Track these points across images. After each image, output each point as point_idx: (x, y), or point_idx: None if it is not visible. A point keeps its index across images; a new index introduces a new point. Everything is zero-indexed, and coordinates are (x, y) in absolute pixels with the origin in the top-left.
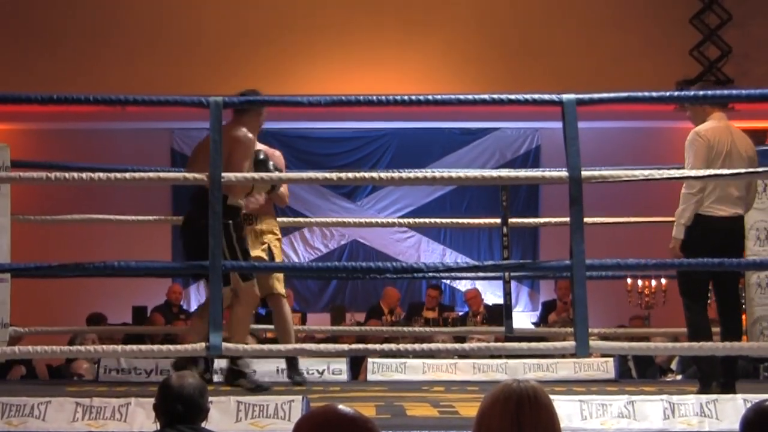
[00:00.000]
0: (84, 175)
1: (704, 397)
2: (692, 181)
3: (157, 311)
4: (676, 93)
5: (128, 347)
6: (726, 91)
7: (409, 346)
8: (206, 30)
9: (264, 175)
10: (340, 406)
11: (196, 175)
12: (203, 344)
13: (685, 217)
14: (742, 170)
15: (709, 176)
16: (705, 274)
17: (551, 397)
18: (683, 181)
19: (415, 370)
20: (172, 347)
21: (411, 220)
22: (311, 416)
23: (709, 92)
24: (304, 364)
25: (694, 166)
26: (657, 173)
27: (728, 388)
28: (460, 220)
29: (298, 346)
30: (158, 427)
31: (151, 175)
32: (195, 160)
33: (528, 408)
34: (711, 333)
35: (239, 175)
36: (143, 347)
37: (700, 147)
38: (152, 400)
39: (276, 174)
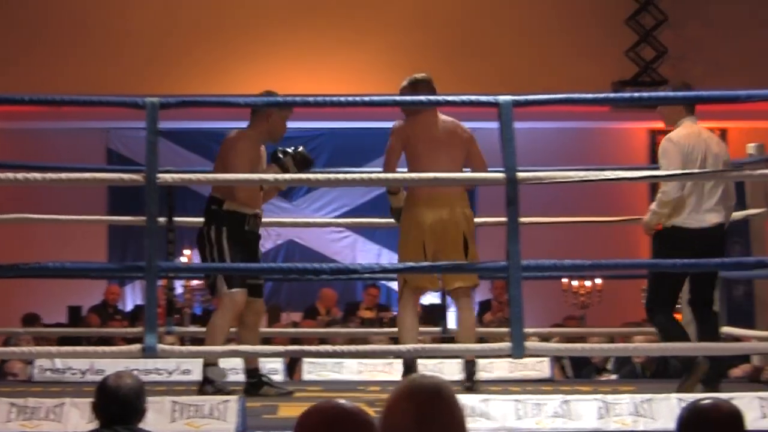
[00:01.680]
0: (19, 175)
1: (638, 397)
2: (669, 188)
3: (92, 311)
4: (611, 94)
5: (63, 348)
6: (662, 93)
7: (345, 348)
8: (144, 28)
9: (194, 176)
10: (342, 401)
11: (132, 176)
12: (139, 346)
13: (653, 221)
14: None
15: (645, 177)
16: (678, 283)
17: (486, 396)
18: (620, 182)
19: (350, 370)
20: (107, 348)
21: (347, 220)
22: (315, 412)
23: (645, 94)
24: (239, 363)
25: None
26: (593, 174)
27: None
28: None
29: (233, 347)
30: (95, 428)
31: (87, 175)
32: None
33: (430, 403)
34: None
35: (176, 176)
36: (78, 348)
37: (674, 153)
38: (87, 400)
39: (213, 175)
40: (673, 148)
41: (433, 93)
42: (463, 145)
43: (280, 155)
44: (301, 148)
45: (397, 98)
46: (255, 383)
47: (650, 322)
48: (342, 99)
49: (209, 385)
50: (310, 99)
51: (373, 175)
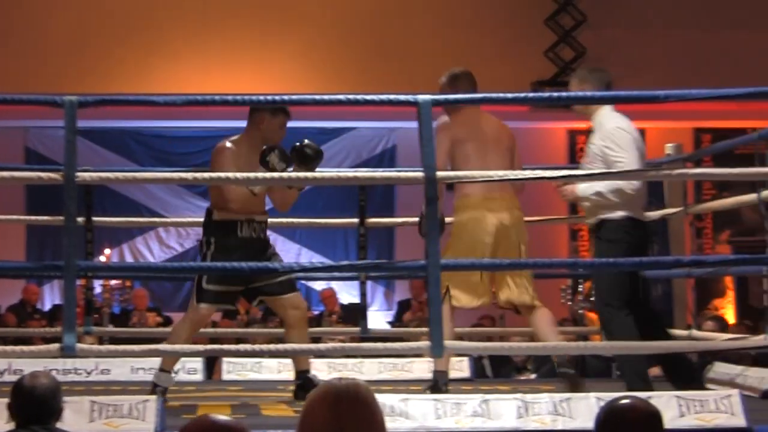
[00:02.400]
0: None
1: (558, 396)
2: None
3: (10, 311)
4: (531, 94)
5: None
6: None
7: (264, 347)
8: (65, 27)
9: (113, 175)
10: (214, 416)
11: (51, 175)
12: (58, 345)
13: (577, 197)
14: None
15: (564, 176)
16: (635, 281)
17: (405, 396)
18: (540, 181)
19: (270, 369)
20: (25, 348)
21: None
22: (193, 427)
23: (564, 94)
24: (158, 362)
25: (631, 161)
26: (511, 173)
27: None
28: (316, 220)
29: (153, 346)
30: (12, 428)
31: (4, 174)
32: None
33: (348, 405)
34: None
35: (94, 175)
36: None
37: (627, 140)
38: (3, 401)
39: (132, 174)
40: (626, 135)
41: (474, 87)
42: (510, 143)
43: (265, 153)
44: (304, 142)
45: (317, 97)
46: (302, 385)
47: (605, 323)
48: (261, 98)
49: (157, 390)
50: (229, 97)
51: (293, 174)
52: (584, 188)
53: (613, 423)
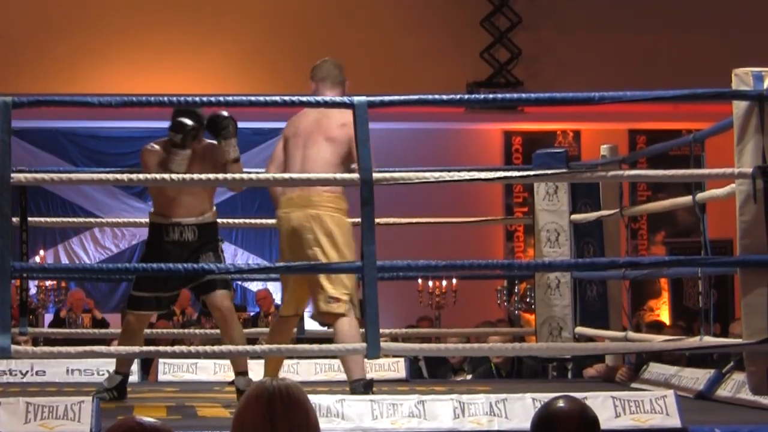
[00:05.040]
0: None
1: (494, 397)
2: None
3: None
4: (466, 96)
5: None
6: (515, 95)
7: (200, 348)
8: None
9: (48, 176)
10: (139, 417)
11: None
12: None
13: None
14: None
15: (499, 178)
16: None
17: (341, 397)
18: (475, 183)
19: (206, 370)
20: None
21: None
22: (119, 427)
23: (499, 96)
24: (94, 364)
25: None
26: (447, 175)
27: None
28: (252, 221)
29: (88, 348)
30: None
31: None
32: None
33: (280, 404)
34: None
35: (29, 176)
36: None
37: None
38: None
39: (67, 175)
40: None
41: (333, 74)
42: (330, 134)
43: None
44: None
45: (252, 98)
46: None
47: None
48: (197, 99)
49: (104, 390)
50: (164, 98)
51: (228, 176)
52: None
53: (549, 424)
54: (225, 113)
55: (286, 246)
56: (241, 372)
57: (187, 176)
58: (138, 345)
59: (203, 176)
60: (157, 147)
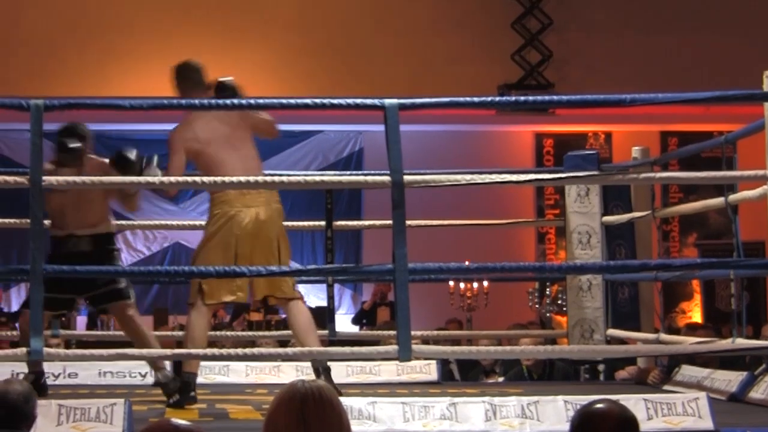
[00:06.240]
0: None
1: (525, 399)
2: None
3: None
4: (497, 98)
5: None
6: (546, 97)
7: (232, 351)
8: (30, 30)
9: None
10: (173, 420)
11: (17, 178)
12: (25, 349)
13: None
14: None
15: (531, 180)
16: None
17: (373, 399)
18: (507, 185)
19: (237, 373)
20: None
21: None
22: (154, 428)
23: (530, 98)
24: (126, 366)
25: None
26: (479, 177)
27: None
28: (283, 223)
29: (120, 350)
30: None
31: None
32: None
33: (312, 406)
34: None
35: (60, 178)
36: None
37: None
38: None
39: (99, 177)
40: None
41: (194, 79)
42: (246, 124)
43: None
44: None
45: (284, 101)
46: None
47: None
48: (228, 102)
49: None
50: (196, 101)
51: (260, 178)
52: None
53: (588, 427)
54: (131, 155)
55: (247, 238)
56: (159, 368)
57: (226, 179)
58: None
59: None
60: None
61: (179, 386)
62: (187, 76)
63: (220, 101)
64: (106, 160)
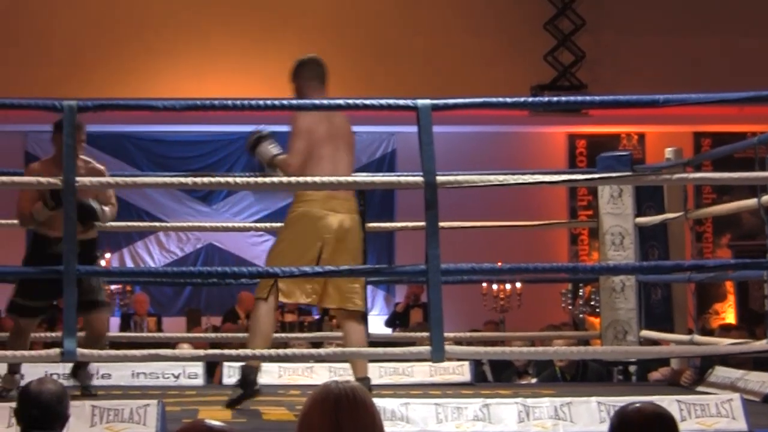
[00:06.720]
0: None
1: (558, 400)
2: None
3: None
4: (530, 98)
5: None
6: (579, 97)
7: (265, 352)
8: (61, 32)
9: (113, 180)
10: (207, 420)
11: (51, 180)
12: (58, 350)
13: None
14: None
15: (564, 181)
16: None
17: (407, 400)
18: (539, 186)
19: (270, 374)
20: (26, 353)
21: (266, 225)
22: (189, 429)
23: (563, 98)
24: (158, 367)
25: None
26: (511, 178)
27: None
28: None
29: (153, 351)
30: None
31: (4, 178)
32: None
33: (346, 406)
34: None
35: (94, 180)
36: None
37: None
38: (7, 405)
39: (132, 179)
40: None
41: (320, 74)
42: (351, 138)
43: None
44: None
45: (317, 102)
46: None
47: None
48: (261, 102)
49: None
50: (229, 102)
51: (292, 179)
52: None
53: (626, 428)
54: (94, 206)
55: (334, 243)
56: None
57: (259, 180)
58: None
59: (270, 179)
60: (39, 167)
61: (239, 381)
62: (312, 72)
63: (260, 101)
64: (103, 167)
